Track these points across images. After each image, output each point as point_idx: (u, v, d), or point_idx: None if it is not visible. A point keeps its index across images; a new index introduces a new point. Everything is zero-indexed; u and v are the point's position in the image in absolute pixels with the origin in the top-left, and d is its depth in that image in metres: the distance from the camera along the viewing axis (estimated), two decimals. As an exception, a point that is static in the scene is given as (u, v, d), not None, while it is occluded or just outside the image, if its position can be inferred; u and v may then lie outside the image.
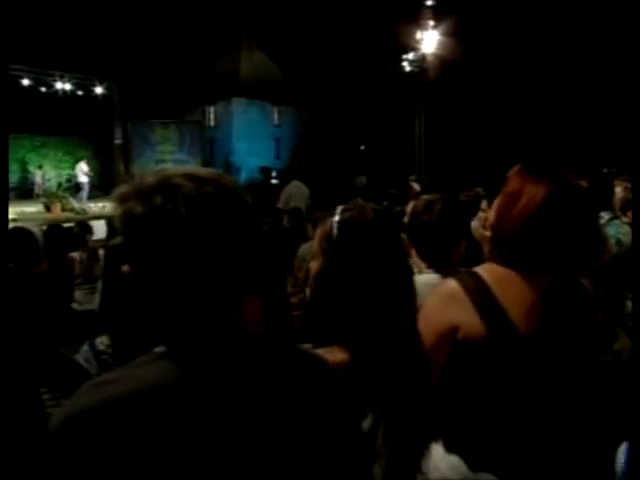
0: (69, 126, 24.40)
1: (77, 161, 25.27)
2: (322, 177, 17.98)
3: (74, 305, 4.95)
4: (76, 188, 18.16)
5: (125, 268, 0.82)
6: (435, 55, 17.64)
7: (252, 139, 28.31)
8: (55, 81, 21.43)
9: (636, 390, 1.28)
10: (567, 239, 1.35)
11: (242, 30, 30.37)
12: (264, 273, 2.39)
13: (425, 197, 1.99)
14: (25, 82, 20.83)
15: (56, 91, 21.61)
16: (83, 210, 14.19)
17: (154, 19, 27.47)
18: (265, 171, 25.17)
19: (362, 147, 31.21)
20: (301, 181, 9.11)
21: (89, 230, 5.41)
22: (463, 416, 1.35)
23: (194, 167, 0.86)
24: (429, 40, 17.36)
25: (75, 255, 4.95)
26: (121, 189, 0.83)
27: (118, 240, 2.02)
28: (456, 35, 17.54)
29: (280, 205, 8.37)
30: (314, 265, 1.26)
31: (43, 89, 21.59)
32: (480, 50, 21.45)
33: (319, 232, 1.27)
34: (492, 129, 23.50)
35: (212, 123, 29.22)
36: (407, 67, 18.44)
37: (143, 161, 20.16)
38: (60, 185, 22.58)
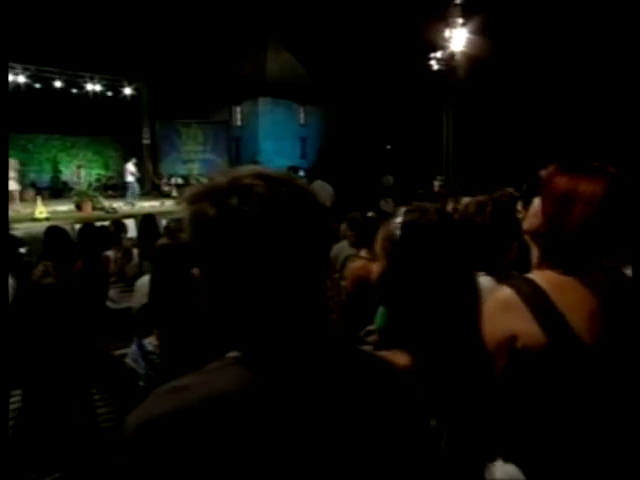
0: (99, 126, 24.84)
1: (106, 161, 25.82)
2: (349, 176, 17.94)
3: (109, 303, 5.01)
4: (124, 188, 18.61)
5: (195, 271, 0.79)
6: (464, 53, 17.46)
7: (278, 139, 28.40)
8: (86, 82, 21.85)
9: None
10: (624, 235, 1.31)
11: (268, 30, 30.48)
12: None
13: (476, 198, 1.95)
14: (57, 84, 21.27)
15: (86, 92, 22.03)
16: (113, 209, 14.38)
17: (182, 20, 27.78)
18: (292, 170, 25.20)
19: (388, 146, 31.06)
20: (325, 180, 9.09)
21: (124, 229, 5.47)
22: (521, 426, 1.32)
23: (263, 167, 0.83)
24: (458, 38, 17.19)
25: (110, 254, 5.00)
26: (190, 190, 0.81)
27: (165, 240, 2.02)
28: (485, 33, 17.34)
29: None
30: (376, 267, 1.24)
31: (74, 90, 22.01)
32: (509, 48, 21.13)
33: (381, 234, 1.25)
34: (521, 128, 23.13)
35: (238, 123, 29.39)
36: (435, 65, 18.28)
37: (170, 160, 20.43)
38: (90, 185, 23.00)
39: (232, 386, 0.73)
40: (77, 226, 11.79)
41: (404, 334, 1.18)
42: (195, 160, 20.90)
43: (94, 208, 14.71)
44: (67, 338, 1.63)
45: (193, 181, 18.16)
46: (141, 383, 1.73)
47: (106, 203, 14.92)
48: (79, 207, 14.98)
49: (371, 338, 2.57)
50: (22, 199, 20.76)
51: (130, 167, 17.65)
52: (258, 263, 0.73)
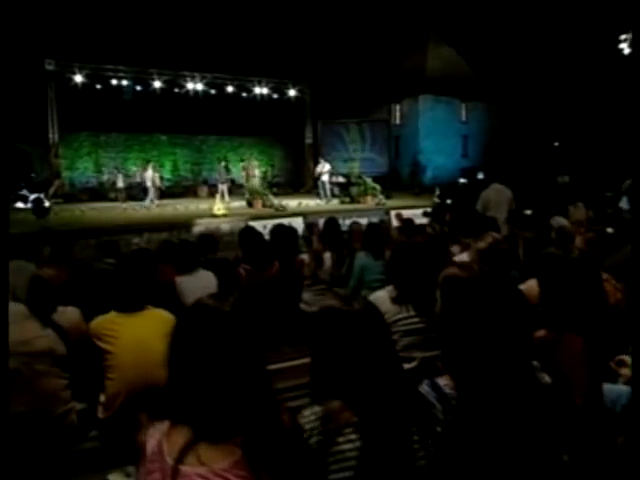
0: (264, 127, 26.18)
1: (271, 159, 27.12)
2: (520, 177, 16.64)
3: (303, 306, 4.93)
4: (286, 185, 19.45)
5: None
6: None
7: (439, 137, 27.55)
8: (254, 86, 23.13)
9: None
10: None
11: (429, 25, 29.74)
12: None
13: None
14: (229, 89, 22.79)
15: (254, 95, 23.32)
16: (282, 207, 14.80)
17: (343, 21, 28.21)
18: (469, 172, 23.79)
19: (556, 143, 28.67)
20: (502, 183, 8.27)
21: (315, 232, 5.34)
22: None
23: None
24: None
25: (304, 257, 4.90)
26: None
27: (454, 271, 1.68)
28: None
29: (478, 210, 7.86)
30: None
31: (244, 94, 23.41)
32: None
33: None
34: None
35: (397, 121, 29.07)
36: (627, 49, 16.09)
37: (332, 159, 20.73)
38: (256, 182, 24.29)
39: None
40: (251, 223, 12.49)
41: None
42: (356, 159, 20.92)
43: (264, 205, 15.31)
44: (382, 367, 1.39)
45: (354, 179, 18.23)
46: (438, 429, 1.45)
47: (275, 201, 15.43)
48: (250, 204, 15.72)
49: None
50: (197, 196, 22.64)
51: (326, 166, 18.36)
52: None
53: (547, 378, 1.67)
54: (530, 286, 3.05)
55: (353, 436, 1.29)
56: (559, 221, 7.12)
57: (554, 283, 1.73)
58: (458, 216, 6.46)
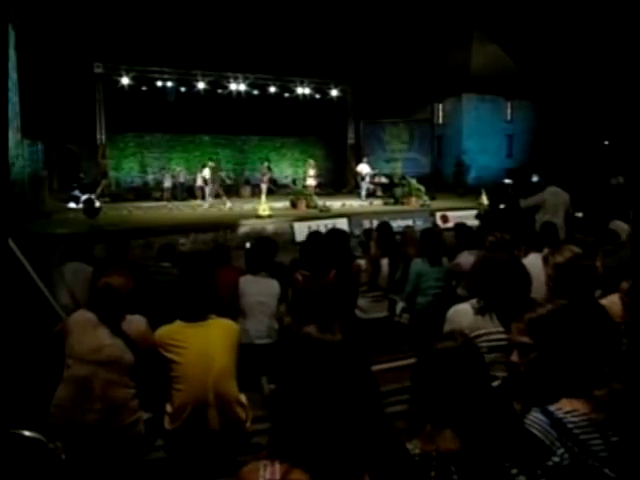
0: (306, 127, 26.16)
1: (313, 160, 27.10)
2: (572, 178, 16.08)
3: (358, 312, 4.84)
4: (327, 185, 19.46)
5: None
6: None
7: (483, 136, 26.89)
8: (296, 87, 23.16)
9: None
10: None
11: (473, 22, 29.11)
12: None
13: None
14: (272, 89, 22.88)
15: (297, 96, 23.35)
16: (326, 208, 14.73)
17: (385, 20, 27.95)
18: (515, 172, 23.07)
19: (606, 142, 27.67)
20: (559, 185, 7.98)
21: (373, 237, 5.22)
22: None
23: None
24: None
25: (361, 262, 4.80)
26: None
27: (549, 308, 1.57)
28: None
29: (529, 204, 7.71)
30: None
31: (286, 94, 23.47)
32: None
33: None
34: None
35: (440, 121, 28.61)
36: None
37: (374, 159, 20.57)
38: (295, 182, 24.36)
39: None
40: (295, 224, 12.46)
41: None
42: (399, 159, 20.74)
43: (308, 206, 15.23)
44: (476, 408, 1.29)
45: (397, 180, 18.01)
46: (556, 459, 1.35)
47: (319, 201, 15.34)
48: (294, 205, 15.68)
49: None
50: (240, 196, 22.80)
51: (364, 167, 18.28)
52: None
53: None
54: (612, 302, 2.86)
55: (433, 473, 1.24)
56: (621, 226, 6.76)
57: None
58: (519, 224, 6.23)
